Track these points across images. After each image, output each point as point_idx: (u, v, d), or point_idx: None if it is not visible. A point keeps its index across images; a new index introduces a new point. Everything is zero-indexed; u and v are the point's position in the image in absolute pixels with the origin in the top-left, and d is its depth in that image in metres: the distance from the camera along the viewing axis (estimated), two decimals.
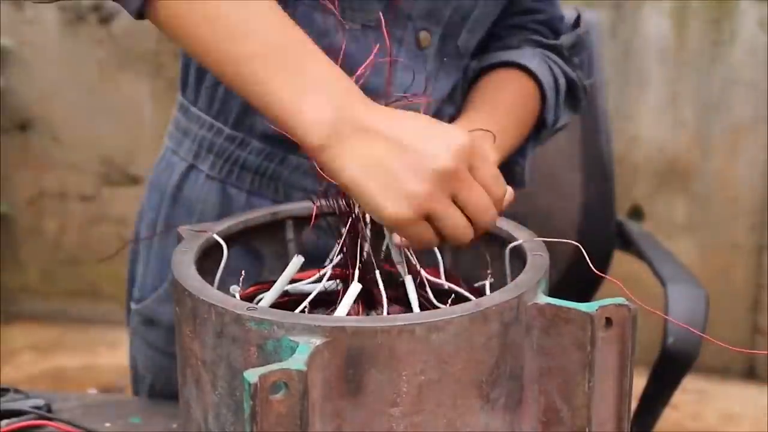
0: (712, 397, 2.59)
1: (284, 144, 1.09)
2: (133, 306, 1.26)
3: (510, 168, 1.16)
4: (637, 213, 2.67)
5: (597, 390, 0.78)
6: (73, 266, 2.99)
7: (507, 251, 0.90)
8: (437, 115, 1.12)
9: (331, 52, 0.89)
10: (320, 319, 0.75)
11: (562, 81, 1.17)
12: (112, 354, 2.82)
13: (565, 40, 1.19)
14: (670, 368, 1.41)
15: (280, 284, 0.87)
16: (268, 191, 1.09)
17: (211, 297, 0.78)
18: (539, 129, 1.16)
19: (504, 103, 1.12)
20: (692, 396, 2.50)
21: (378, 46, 0.94)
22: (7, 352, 2.76)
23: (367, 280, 0.87)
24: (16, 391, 1.05)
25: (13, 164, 2.92)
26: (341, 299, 0.86)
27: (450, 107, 1.15)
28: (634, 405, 1.24)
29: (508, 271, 0.90)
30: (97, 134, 2.87)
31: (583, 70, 1.21)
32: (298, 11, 1.03)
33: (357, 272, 0.85)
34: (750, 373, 2.68)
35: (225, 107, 1.09)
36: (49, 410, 1.03)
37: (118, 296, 3.07)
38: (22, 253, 3.01)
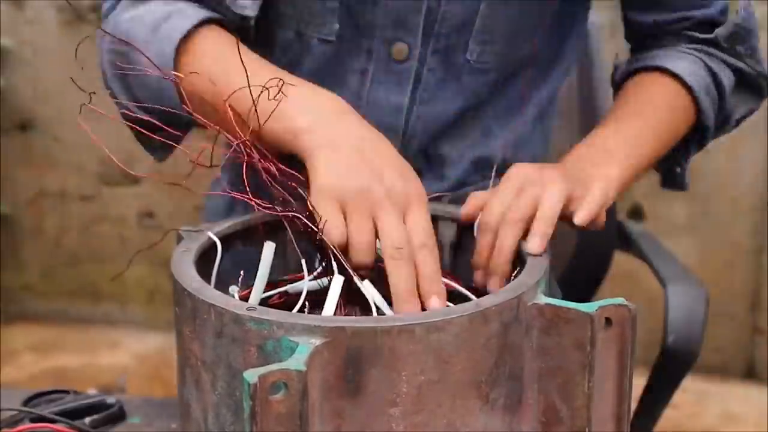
0: (712, 397, 2.59)
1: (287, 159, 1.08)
2: None
3: (670, 172, 1.16)
4: (637, 213, 2.66)
5: (597, 390, 0.78)
6: (73, 266, 2.99)
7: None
8: (456, 125, 1.09)
9: (294, 67, 0.99)
10: (320, 319, 0.75)
11: (725, 76, 1.12)
12: (112, 354, 2.82)
13: (721, 32, 1.12)
14: (670, 368, 1.41)
15: (261, 277, 0.87)
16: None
17: (210, 297, 0.78)
18: (702, 131, 1.13)
19: (639, 112, 1.08)
20: (692, 396, 2.50)
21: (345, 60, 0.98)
22: (7, 352, 2.76)
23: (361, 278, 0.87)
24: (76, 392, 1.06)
25: (13, 164, 2.92)
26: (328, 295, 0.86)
27: (495, 125, 1.11)
28: (634, 405, 1.24)
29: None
30: (98, 134, 2.87)
31: (754, 56, 1.15)
32: (260, 28, 1.04)
33: (334, 266, 0.85)
34: (750, 373, 2.68)
35: None
36: (122, 410, 1.04)
37: (118, 296, 3.09)
38: (22, 253, 3.01)
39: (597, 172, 0.97)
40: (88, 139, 2.87)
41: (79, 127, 0.89)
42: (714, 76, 1.11)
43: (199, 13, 0.94)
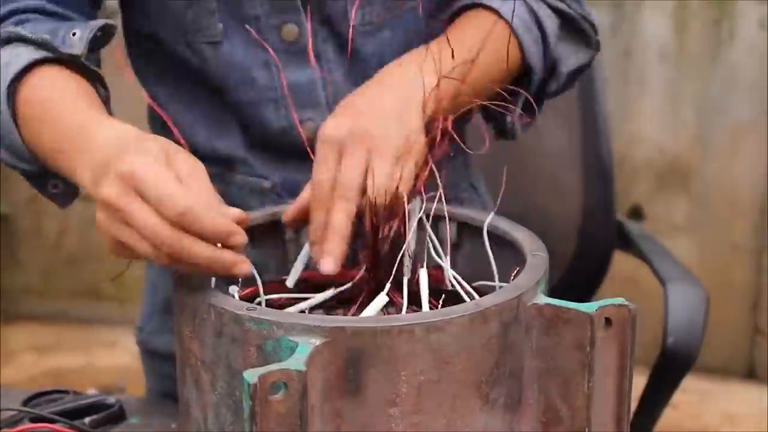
0: (712, 397, 2.59)
1: (224, 163, 1.09)
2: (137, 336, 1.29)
3: (494, 117, 1.10)
4: (637, 213, 2.66)
5: (597, 390, 0.78)
6: (73, 266, 2.99)
7: (486, 239, 0.90)
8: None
9: (202, 79, 1.07)
10: (319, 319, 0.75)
11: (546, 16, 1.07)
12: (112, 354, 2.82)
13: None
14: (670, 368, 1.41)
15: (296, 269, 0.89)
16: None
17: (210, 297, 0.78)
18: (529, 74, 1.07)
19: (455, 41, 1.00)
20: (692, 396, 2.50)
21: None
22: (7, 352, 2.76)
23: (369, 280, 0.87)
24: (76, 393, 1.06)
25: None
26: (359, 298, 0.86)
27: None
28: (634, 405, 1.24)
29: (494, 266, 0.90)
30: None
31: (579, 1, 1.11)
32: (154, 51, 1.10)
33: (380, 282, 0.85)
34: (750, 373, 2.68)
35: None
36: (122, 410, 1.04)
37: (118, 296, 3.08)
38: (22, 253, 3.01)
39: (408, 92, 0.94)
40: None
41: None
42: (534, 14, 1.07)
43: (30, 56, 0.94)
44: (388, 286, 0.84)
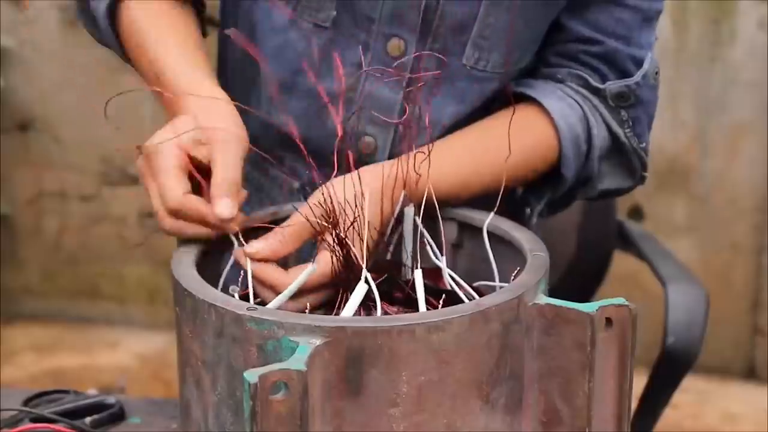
0: (712, 397, 2.59)
1: (270, 151, 1.04)
2: None
3: (519, 209, 1.10)
4: (637, 213, 2.66)
5: (597, 390, 0.78)
6: (73, 266, 2.99)
7: (486, 239, 0.90)
8: (449, 130, 1.04)
9: (284, 49, 1.04)
10: (320, 319, 0.75)
11: (599, 134, 1.05)
12: (112, 354, 2.82)
13: (612, 87, 1.06)
14: (670, 368, 1.41)
15: (291, 288, 0.87)
16: (254, 201, 1.06)
17: (211, 297, 0.78)
18: (559, 179, 1.06)
19: (490, 136, 1.01)
20: (692, 396, 2.50)
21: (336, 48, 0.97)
22: (7, 352, 2.76)
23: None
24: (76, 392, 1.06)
25: (13, 164, 2.92)
26: (341, 299, 0.86)
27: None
28: (634, 405, 1.24)
29: (494, 266, 0.90)
30: (97, 134, 2.86)
31: (635, 130, 1.08)
32: (258, 6, 1.05)
33: (363, 273, 0.85)
34: (750, 373, 2.68)
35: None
36: (122, 410, 1.04)
37: (118, 296, 3.08)
38: (22, 253, 3.00)
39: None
40: (88, 139, 2.88)
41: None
42: (588, 129, 1.05)
43: None
44: (364, 276, 0.84)
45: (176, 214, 0.87)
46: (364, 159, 1.03)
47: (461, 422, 0.76)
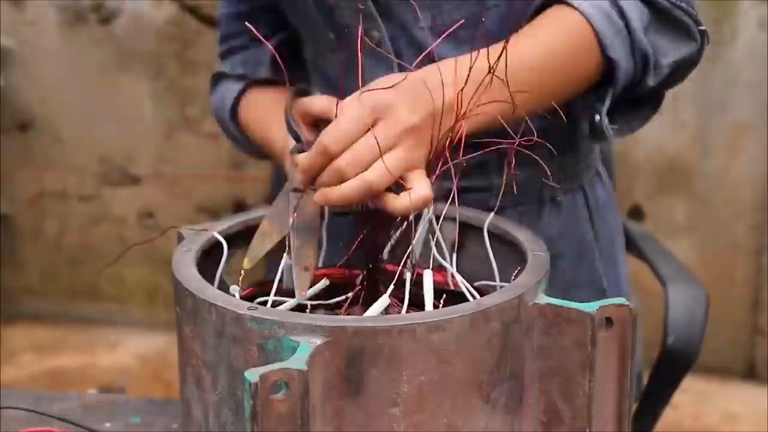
0: (712, 397, 2.59)
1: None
2: None
3: (576, 121, 1.05)
4: (637, 213, 2.66)
5: (597, 390, 0.78)
6: (73, 266, 2.99)
7: (487, 239, 0.90)
8: None
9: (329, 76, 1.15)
10: (321, 319, 0.75)
11: (631, 5, 0.99)
12: (112, 354, 2.82)
13: None
14: (670, 368, 1.41)
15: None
16: None
17: (211, 297, 0.78)
18: (612, 69, 0.99)
19: (518, 41, 0.95)
20: (692, 396, 2.50)
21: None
22: (7, 352, 2.76)
23: (370, 279, 0.87)
24: None
25: (13, 164, 2.92)
26: (348, 301, 0.86)
27: None
28: (634, 405, 1.24)
29: (494, 265, 0.90)
30: (97, 134, 2.87)
31: None
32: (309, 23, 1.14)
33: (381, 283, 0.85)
34: (750, 373, 2.68)
35: None
36: None
37: (118, 296, 3.08)
38: (22, 253, 3.01)
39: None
40: (88, 139, 2.88)
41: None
42: (616, 5, 0.99)
43: (235, 90, 1.23)
44: (390, 288, 0.84)
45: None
46: None
47: (461, 422, 0.76)
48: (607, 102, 1.00)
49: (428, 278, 0.85)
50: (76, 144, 2.89)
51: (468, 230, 0.96)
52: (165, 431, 1.02)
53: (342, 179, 0.85)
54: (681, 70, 1.06)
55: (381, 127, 0.85)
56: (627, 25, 0.99)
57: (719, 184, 2.61)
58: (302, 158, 0.88)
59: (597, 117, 1.01)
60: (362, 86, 0.88)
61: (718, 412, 2.54)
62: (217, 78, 1.27)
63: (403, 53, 1.08)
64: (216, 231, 0.91)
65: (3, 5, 2.79)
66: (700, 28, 1.04)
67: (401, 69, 1.03)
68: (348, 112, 0.86)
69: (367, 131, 0.85)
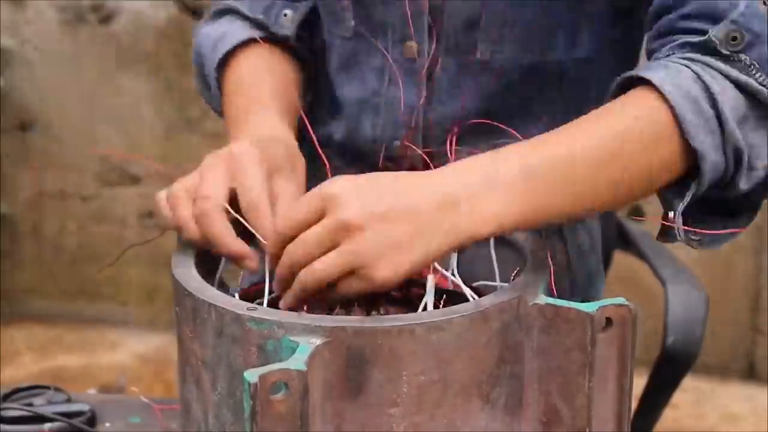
0: (712, 397, 2.59)
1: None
2: None
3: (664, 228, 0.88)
4: (637, 213, 2.66)
5: (597, 390, 0.78)
6: (73, 266, 2.99)
7: (492, 245, 0.90)
8: (475, 126, 1.01)
9: (330, 64, 1.10)
10: (320, 319, 0.75)
11: (722, 90, 0.84)
12: (112, 354, 2.82)
13: (715, 32, 0.85)
14: (670, 368, 1.41)
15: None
16: None
17: (211, 297, 0.78)
18: (696, 163, 0.84)
19: (576, 132, 0.83)
20: (692, 396, 2.50)
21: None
22: (7, 352, 2.76)
23: None
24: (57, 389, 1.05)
25: (13, 164, 2.92)
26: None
27: (513, 126, 0.98)
28: (634, 405, 1.24)
29: (495, 267, 0.90)
30: (97, 134, 2.87)
31: (765, 69, 0.84)
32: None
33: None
34: (750, 373, 2.68)
35: None
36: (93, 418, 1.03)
37: (118, 296, 3.08)
38: (22, 253, 3.01)
39: (459, 219, 0.78)
40: (88, 139, 2.88)
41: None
42: (706, 87, 0.84)
43: (243, 34, 1.09)
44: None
45: (207, 243, 0.86)
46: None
47: (461, 422, 0.76)
48: (686, 199, 0.85)
49: (431, 283, 0.85)
50: (76, 144, 2.89)
51: None
52: (165, 431, 1.02)
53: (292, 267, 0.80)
54: None
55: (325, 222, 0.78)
56: (718, 113, 0.84)
57: None
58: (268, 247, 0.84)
59: (671, 214, 0.86)
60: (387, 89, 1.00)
61: (718, 412, 2.54)
62: (225, 12, 1.13)
63: (436, 79, 1.05)
64: None
65: (3, 5, 2.79)
66: None
67: (431, 96, 1.04)
68: (303, 200, 0.81)
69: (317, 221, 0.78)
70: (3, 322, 2.88)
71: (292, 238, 0.80)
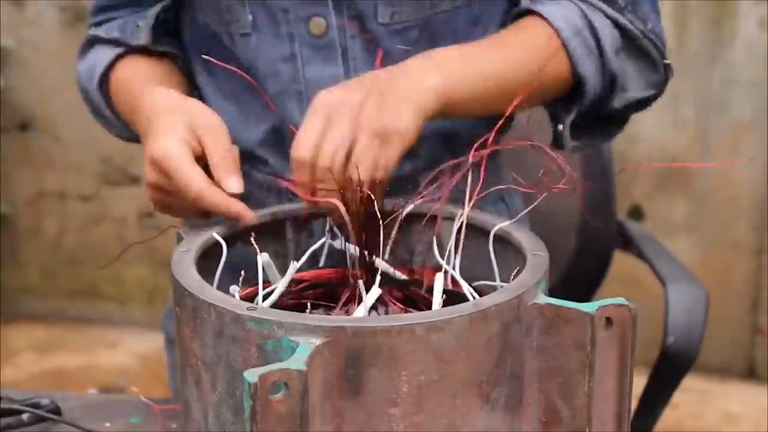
0: (712, 397, 2.59)
1: (247, 159, 1.06)
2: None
3: (556, 131, 1.08)
4: (637, 213, 2.66)
5: (597, 390, 0.78)
6: (73, 266, 2.99)
7: (490, 240, 0.90)
8: None
9: (235, 63, 1.07)
10: (320, 319, 0.75)
11: (603, 26, 1.04)
12: (112, 354, 2.82)
13: None
14: (670, 368, 1.41)
15: (280, 288, 0.87)
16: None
17: (211, 297, 0.78)
18: (580, 84, 1.04)
19: (489, 44, 1.01)
20: (692, 396, 2.50)
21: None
22: (7, 352, 2.76)
23: (367, 279, 0.87)
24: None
25: (13, 164, 2.92)
26: (343, 299, 0.86)
27: None
28: (634, 405, 1.24)
29: (495, 267, 0.90)
30: (97, 134, 2.87)
31: (637, 12, 1.06)
32: (196, 36, 1.13)
33: (369, 276, 0.85)
34: (750, 373, 2.68)
35: None
36: (57, 410, 1.03)
37: (118, 296, 3.08)
38: (22, 253, 3.01)
39: (412, 83, 0.93)
40: (88, 139, 2.88)
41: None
42: (590, 25, 1.03)
43: (110, 55, 1.14)
44: (375, 285, 0.84)
45: (197, 204, 0.91)
46: None
47: (461, 422, 0.76)
48: (572, 114, 1.05)
49: (439, 282, 0.85)
50: (76, 144, 2.89)
51: (468, 230, 0.96)
52: (165, 431, 1.02)
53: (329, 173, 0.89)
54: (646, 100, 1.09)
55: (337, 126, 0.90)
56: (599, 45, 1.03)
57: (719, 183, 2.61)
58: (296, 179, 0.91)
59: (560, 127, 1.06)
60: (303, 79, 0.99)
61: (718, 412, 2.54)
62: (90, 43, 1.18)
63: (349, 49, 1.06)
64: (215, 231, 0.91)
65: (3, 5, 2.79)
66: (666, 61, 1.08)
67: (348, 65, 1.06)
68: (306, 122, 0.91)
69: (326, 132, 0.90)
70: (3, 322, 2.89)
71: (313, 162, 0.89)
